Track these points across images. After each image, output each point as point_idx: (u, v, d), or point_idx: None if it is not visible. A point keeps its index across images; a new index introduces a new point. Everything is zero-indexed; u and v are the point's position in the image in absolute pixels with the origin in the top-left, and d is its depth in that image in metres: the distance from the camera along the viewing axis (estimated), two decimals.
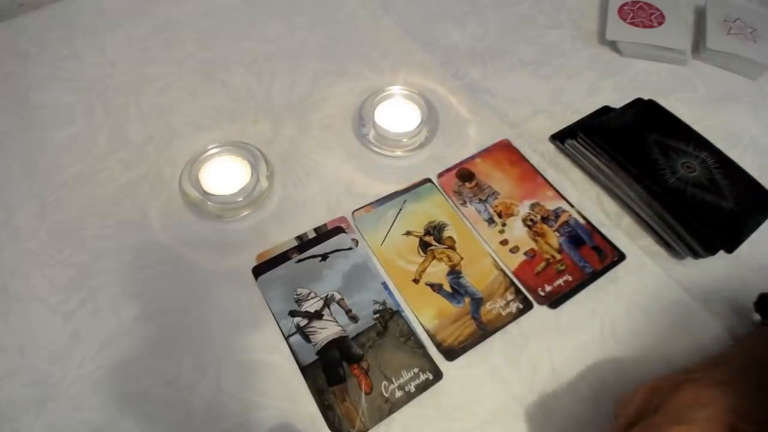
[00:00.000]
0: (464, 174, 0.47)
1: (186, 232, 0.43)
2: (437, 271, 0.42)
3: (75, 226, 0.44)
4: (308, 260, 0.42)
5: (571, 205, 0.45)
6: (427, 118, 0.49)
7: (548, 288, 0.41)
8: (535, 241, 0.43)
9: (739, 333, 0.39)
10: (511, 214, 0.45)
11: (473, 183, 0.47)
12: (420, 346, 0.38)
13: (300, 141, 0.50)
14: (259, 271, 0.41)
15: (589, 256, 0.43)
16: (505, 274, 0.42)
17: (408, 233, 0.44)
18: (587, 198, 0.46)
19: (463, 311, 0.40)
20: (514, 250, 0.43)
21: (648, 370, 0.37)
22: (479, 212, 0.45)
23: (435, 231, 0.44)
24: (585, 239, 0.44)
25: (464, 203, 0.46)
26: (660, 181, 0.43)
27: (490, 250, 0.43)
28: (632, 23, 0.57)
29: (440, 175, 0.47)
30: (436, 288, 0.41)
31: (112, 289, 0.40)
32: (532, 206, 0.45)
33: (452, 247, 0.43)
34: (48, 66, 0.54)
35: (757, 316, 0.38)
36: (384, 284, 0.41)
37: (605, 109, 0.52)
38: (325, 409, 0.35)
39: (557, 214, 0.45)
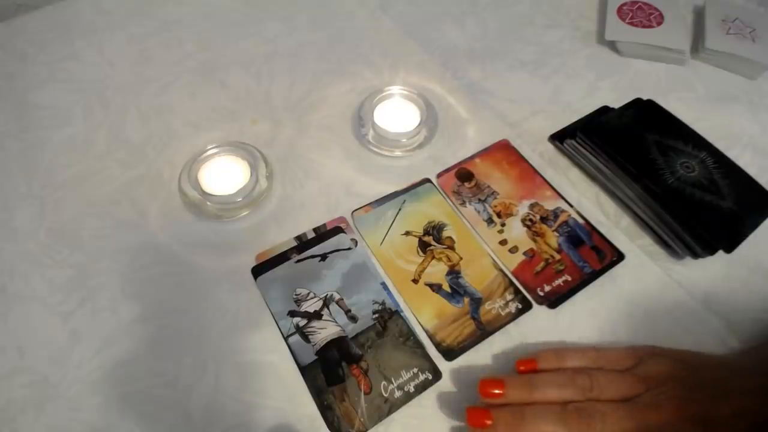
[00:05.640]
0: (463, 174, 0.47)
1: (185, 233, 0.43)
2: (436, 271, 0.42)
3: (74, 227, 0.43)
4: (307, 260, 0.42)
5: (570, 205, 0.46)
6: (426, 118, 0.49)
7: (547, 288, 0.41)
8: (534, 241, 0.43)
9: (738, 333, 0.39)
10: (510, 214, 0.45)
11: (472, 183, 0.47)
12: (419, 346, 0.38)
13: (299, 141, 0.50)
14: (258, 271, 0.41)
15: (588, 255, 0.43)
16: (504, 274, 0.42)
17: (407, 233, 0.44)
18: (586, 198, 0.46)
19: (462, 311, 0.40)
20: (513, 250, 0.43)
21: None
22: (478, 212, 0.45)
23: (434, 231, 0.44)
24: (584, 239, 0.44)
25: (463, 203, 0.46)
26: (659, 181, 0.43)
27: (489, 250, 0.43)
28: (631, 23, 0.57)
29: (439, 175, 0.47)
30: (436, 288, 0.41)
31: (111, 290, 0.40)
32: (531, 206, 0.45)
33: (451, 247, 0.43)
34: (47, 66, 0.54)
35: None
36: (383, 284, 0.41)
37: (604, 109, 0.52)
38: (325, 410, 0.35)
39: (556, 214, 0.45)
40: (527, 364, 0.35)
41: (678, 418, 0.31)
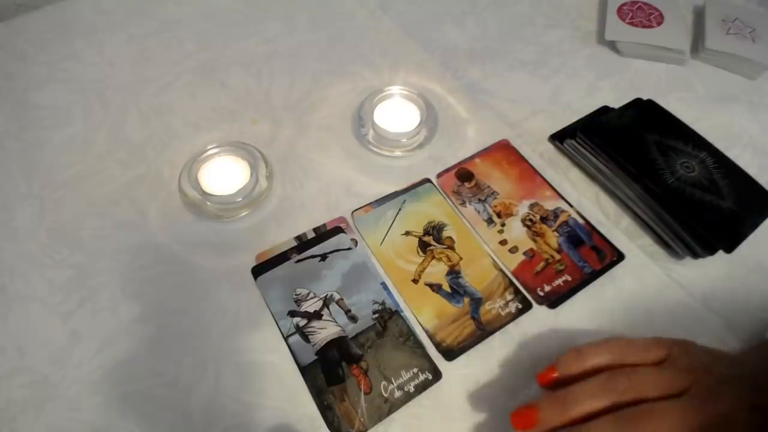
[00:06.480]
0: (463, 174, 0.47)
1: (185, 233, 0.43)
2: (436, 271, 0.42)
3: (74, 227, 0.43)
4: (307, 260, 0.42)
5: (570, 205, 0.46)
6: (426, 118, 0.49)
7: (547, 288, 0.41)
8: (534, 241, 0.43)
9: (738, 333, 0.39)
10: (510, 214, 0.45)
11: (472, 183, 0.47)
12: (419, 346, 0.38)
13: (299, 141, 0.50)
14: (258, 271, 0.41)
15: (588, 255, 0.43)
16: (504, 274, 0.42)
17: (407, 233, 0.44)
18: (586, 198, 0.46)
19: (462, 311, 0.40)
20: (513, 250, 0.43)
21: None
22: (478, 212, 0.45)
23: (434, 231, 0.44)
24: (584, 239, 0.44)
25: (463, 203, 0.46)
26: (659, 181, 0.43)
27: (489, 250, 0.43)
28: (631, 23, 0.57)
29: (439, 176, 0.47)
30: (436, 288, 0.41)
31: (111, 290, 0.40)
32: (531, 206, 0.45)
33: (451, 247, 0.43)
34: (47, 66, 0.54)
35: None
36: (383, 284, 0.41)
37: (604, 109, 0.52)
38: (324, 410, 0.35)
39: (556, 214, 0.45)
40: (547, 374, 0.33)
41: (734, 409, 0.29)
